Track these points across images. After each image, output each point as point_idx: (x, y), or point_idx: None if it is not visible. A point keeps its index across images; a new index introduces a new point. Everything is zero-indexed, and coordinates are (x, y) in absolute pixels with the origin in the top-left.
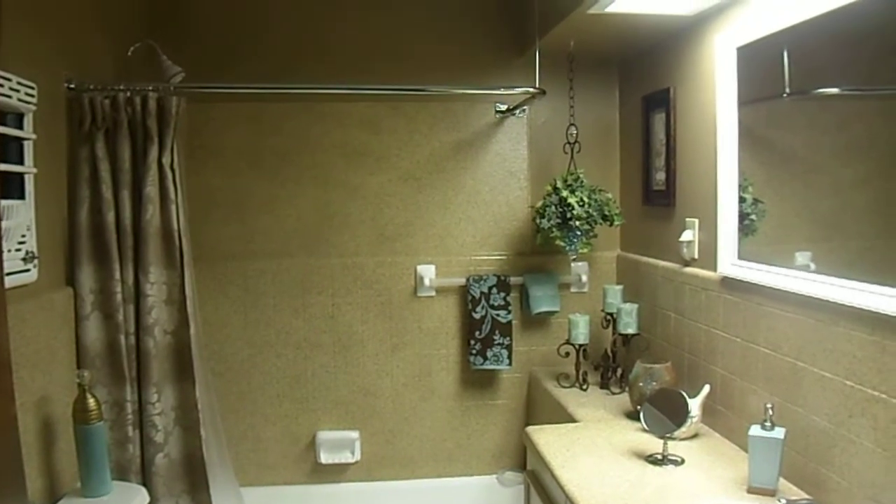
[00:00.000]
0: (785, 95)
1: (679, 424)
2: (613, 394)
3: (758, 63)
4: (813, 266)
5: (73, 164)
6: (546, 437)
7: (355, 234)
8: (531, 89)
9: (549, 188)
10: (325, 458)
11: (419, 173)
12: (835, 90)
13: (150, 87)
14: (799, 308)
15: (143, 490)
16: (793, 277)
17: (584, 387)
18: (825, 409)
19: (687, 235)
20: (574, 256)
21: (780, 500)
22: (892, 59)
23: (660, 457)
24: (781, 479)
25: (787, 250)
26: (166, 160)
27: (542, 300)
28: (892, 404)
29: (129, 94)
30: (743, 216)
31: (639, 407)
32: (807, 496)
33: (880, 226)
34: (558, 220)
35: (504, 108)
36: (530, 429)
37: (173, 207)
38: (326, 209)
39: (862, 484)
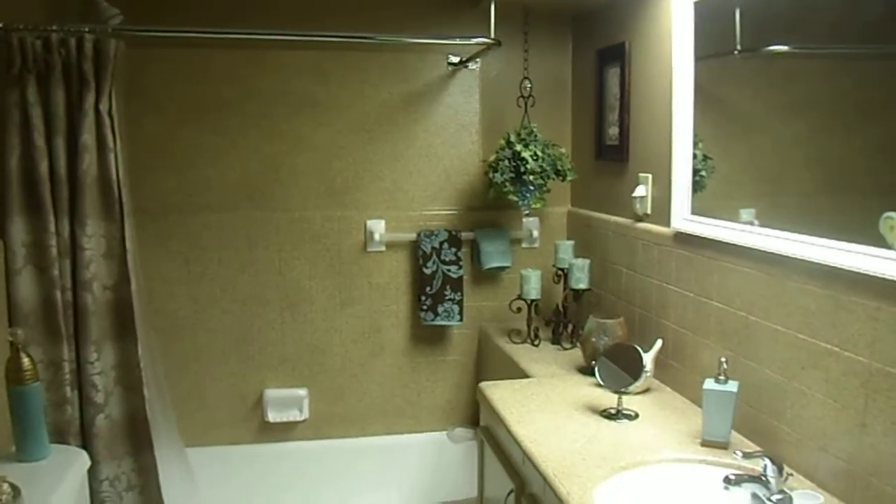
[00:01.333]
0: (736, 52)
1: (635, 378)
2: (565, 349)
3: (713, 19)
4: (756, 222)
5: (2, 110)
6: (500, 393)
7: (303, 187)
8: (486, 40)
9: (503, 142)
10: (272, 416)
11: (369, 125)
12: (784, 48)
13: (87, 29)
14: (752, 262)
15: (84, 453)
16: (747, 232)
17: (536, 342)
18: (777, 363)
19: (640, 191)
20: (527, 211)
21: (734, 453)
22: (839, 19)
23: (614, 411)
24: (734, 432)
25: (733, 206)
26: (104, 106)
27: (494, 255)
28: (844, 357)
29: (63, 35)
30: (693, 172)
31: (593, 362)
32: (759, 448)
33: (819, 183)
34: (511, 175)
35: (456, 60)
36: (484, 385)
37: (112, 156)
38: (273, 161)
39: (813, 435)
